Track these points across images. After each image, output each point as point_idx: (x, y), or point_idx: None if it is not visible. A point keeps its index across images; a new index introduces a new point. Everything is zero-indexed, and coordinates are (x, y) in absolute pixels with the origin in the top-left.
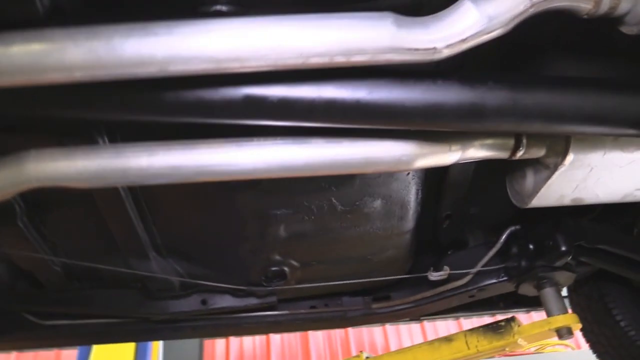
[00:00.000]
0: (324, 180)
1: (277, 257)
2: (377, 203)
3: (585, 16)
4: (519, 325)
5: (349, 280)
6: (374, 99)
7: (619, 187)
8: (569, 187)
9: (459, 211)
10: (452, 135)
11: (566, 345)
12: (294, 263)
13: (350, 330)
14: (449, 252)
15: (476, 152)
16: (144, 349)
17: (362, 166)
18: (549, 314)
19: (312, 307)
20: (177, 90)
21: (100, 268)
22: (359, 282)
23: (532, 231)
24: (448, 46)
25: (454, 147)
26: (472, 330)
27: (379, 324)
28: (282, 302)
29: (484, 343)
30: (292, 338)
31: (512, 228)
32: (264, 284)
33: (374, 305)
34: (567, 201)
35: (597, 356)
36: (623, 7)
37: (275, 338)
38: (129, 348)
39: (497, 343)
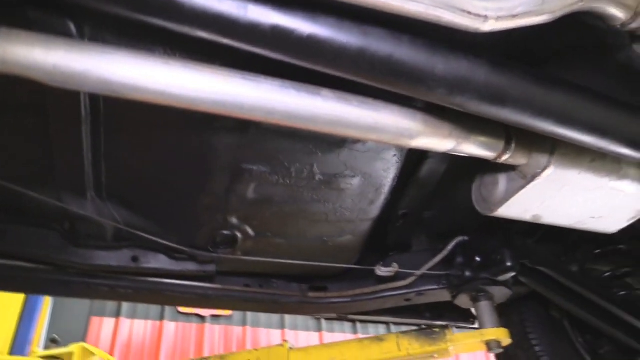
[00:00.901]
0: (313, 142)
1: (234, 221)
2: (356, 180)
3: (618, 26)
4: (452, 334)
5: (298, 261)
6: (407, 57)
7: (578, 211)
8: (537, 201)
9: (415, 212)
10: (454, 123)
11: None
12: (249, 231)
13: (248, 329)
14: (391, 254)
15: (468, 147)
16: (32, 311)
17: (366, 130)
18: (482, 326)
19: (246, 285)
20: None
21: (25, 196)
22: (309, 264)
23: (480, 244)
24: (499, 18)
25: (453, 135)
26: (405, 332)
27: (311, 315)
28: (217, 275)
29: (415, 346)
30: (188, 329)
31: (461, 238)
32: (210, 248)
33: (310, 294)
34: (528, 217)
35: None
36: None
37: (170, 327)
38: (15, 306)
39: (429, 348)
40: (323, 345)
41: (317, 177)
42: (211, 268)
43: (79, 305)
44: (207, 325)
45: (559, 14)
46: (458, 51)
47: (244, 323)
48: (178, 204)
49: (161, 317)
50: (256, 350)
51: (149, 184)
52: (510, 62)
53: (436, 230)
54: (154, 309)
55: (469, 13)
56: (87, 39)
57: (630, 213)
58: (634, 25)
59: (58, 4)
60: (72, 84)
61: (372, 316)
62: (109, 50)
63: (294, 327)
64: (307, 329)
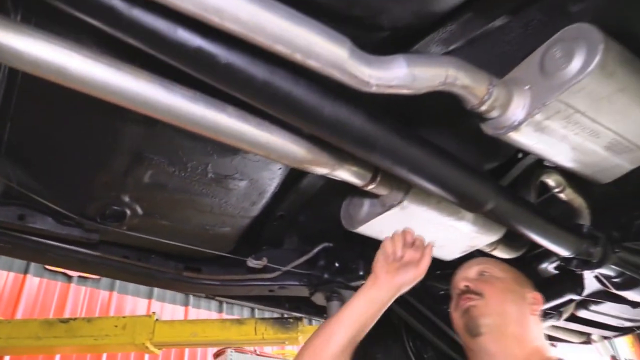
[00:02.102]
0: (211, 145)
1: (126, 199)
2: (243, 183)
3: (468, 107)
4: (304, 325)
5: (178, 242)
6: (302, 96)
7: None
8: (391, 226)
9: (291, 215)
10: (332, 153)
11: None
12: (138, 210)
13: (114, 295)
14: (264, 247)
15: (342, 173)
16: None
17: (258, 147)
18: None
19: (125, 256)
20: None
21: None
22: (187, 247)
23: (341, 252)
24: (378, 85)
25: (329, 163)
26: (263, 319)
27: (182, 292)
28: (100, 244)
29: (270, 332)
30: (52, 287)
31: (326, 244)
32: (98, 219)
33: (185, 273)
34: (382, 237)
35: None
36: (493, 114)
37: (33, 282)
38: None
39: (282, 335)
40: (187, 321)
41: (210, 175)
42: (94, 236)
43: None
44: (73, 286)
45: (424, 90)
46: (343, 101)
47: (111, 288)
48: (76, 175)
49: (25, 271)
50: (124, 317)
51: (51, 151)
52: (384, 117)
53: (306, 233)
54: (19, 261)
55: (356, 77)
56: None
57: (463, 247)
58: (481, 109)
59: None
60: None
61: (238, 300)
62: (30, 30)
63: (162, 299)
64: (174, 302)
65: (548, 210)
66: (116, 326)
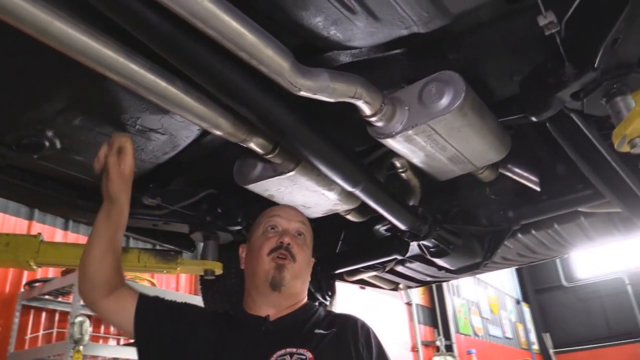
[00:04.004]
0: (147, 104)
1: (49, 134)
2: (164, 137)
3: (363, 115)
4: (182, 259)
5: (82, 175)
6: (242, 86)
7: (298, 199)
8: (276, 188)
9: (185, 161)
10: (249, 127)
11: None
12: (57, 144)
13: None
14: (151, 185)
15: (251, 143)
16: None
17: (192, 115)
18: (204, 258)
19: (23, 180)
20: None
21: None
22: (88, 179)
23: (225, 199)
24: (305, 91)
25: (244, 135)
26: (146, 249)
27: (74, 218)
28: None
29: (152, 262)
30: None
31: (211, 190)
32: (14, 147)
33: (79, 201)
34: (265, 194)
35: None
36: (378, 123)
37: None
38: None
39: (162, 265)
40: (73, 244)
41: (137, 126)
42: (1, 161)
43: None
44: None
45: (338, 99)
46: (272, 94)
47: (30, 217)
48: (4, 104)
49: None
50: (7, 234)
51: None
52: (297, 110)
53: (195, 177)
54: None
55: (290, 82)
56: None
57: (326, 210)
58: (372, 119)
59: None
60: None
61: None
62: None
63: (42, 222)
64: (54, 225)
65: (391, 184)
66: None
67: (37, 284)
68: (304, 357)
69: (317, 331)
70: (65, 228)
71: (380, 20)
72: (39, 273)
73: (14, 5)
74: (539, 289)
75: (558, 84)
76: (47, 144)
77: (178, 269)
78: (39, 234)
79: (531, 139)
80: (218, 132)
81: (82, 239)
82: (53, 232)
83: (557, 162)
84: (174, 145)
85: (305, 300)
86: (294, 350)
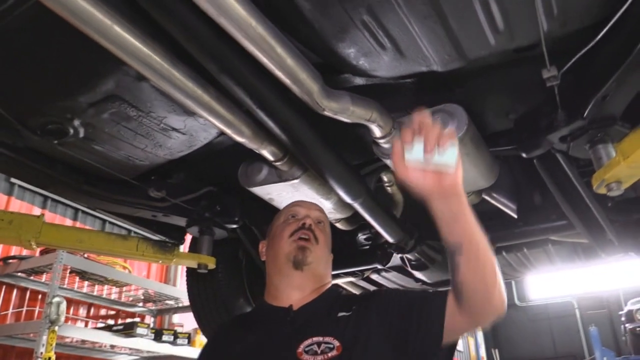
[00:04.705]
0: (174, 106)
1: (76, 123)
2: (184, 137)
3: (373, 136)
4: (179, 251)
5: (94, 163)
6: (273, 101)
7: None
8: (276, 192)
9: (192, 158)
10: (265, 135)
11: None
12: (81, 133)
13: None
14: (153, 177)
15: (264, 150)
16: None
17: (218, 120)
18: (199, 252)
19: (33, 160)
20: None
21: None
22: (99, 167)
23: (223, 197)
24: (328, 111)
25: (260, 142)
26: (145, 239)
27: (80, 202)
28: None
29: (149, 252)
30: None
31: (211, 188)
32: (38, 132)
33: (85, 187)
34: (266, 197)
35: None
36: (385, 144)
37: None
38: None
39: (160, 256)
40: (75, 228)
41: (162, 125)
42: (21, 143)
43: None
44: None
45: (355, 121)
46: (294, 109)
47: (9, 193)
48: (36, 89)
49: None
50: (11, 213)
51: (24, 63)
52: (315, 125)
53: (196, 174)
54: None
55: (316, 102)
56: None
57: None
58: (380, 141)
59: None
60: None
61: (120, 218)
62: None
63: (21, 199)
64: (32, 203)
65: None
66: (2, 220)
67: (11, 261)
68: (331, 345)
69: (340, 314)
70: (44, 207)
71: (405, 57)
72: (13, 250)
73: (82, 10)
74: None
75: (549, 127)
76: (71, 131)
77: (174, 260)
78: (42, 214)
79: (513, 169)
80: (240, 139)
81: (59, 219)
82: (30, 209)
83: (535, 192)
84: (190, 145)
85: (330, 284)
86: (321, 339)
